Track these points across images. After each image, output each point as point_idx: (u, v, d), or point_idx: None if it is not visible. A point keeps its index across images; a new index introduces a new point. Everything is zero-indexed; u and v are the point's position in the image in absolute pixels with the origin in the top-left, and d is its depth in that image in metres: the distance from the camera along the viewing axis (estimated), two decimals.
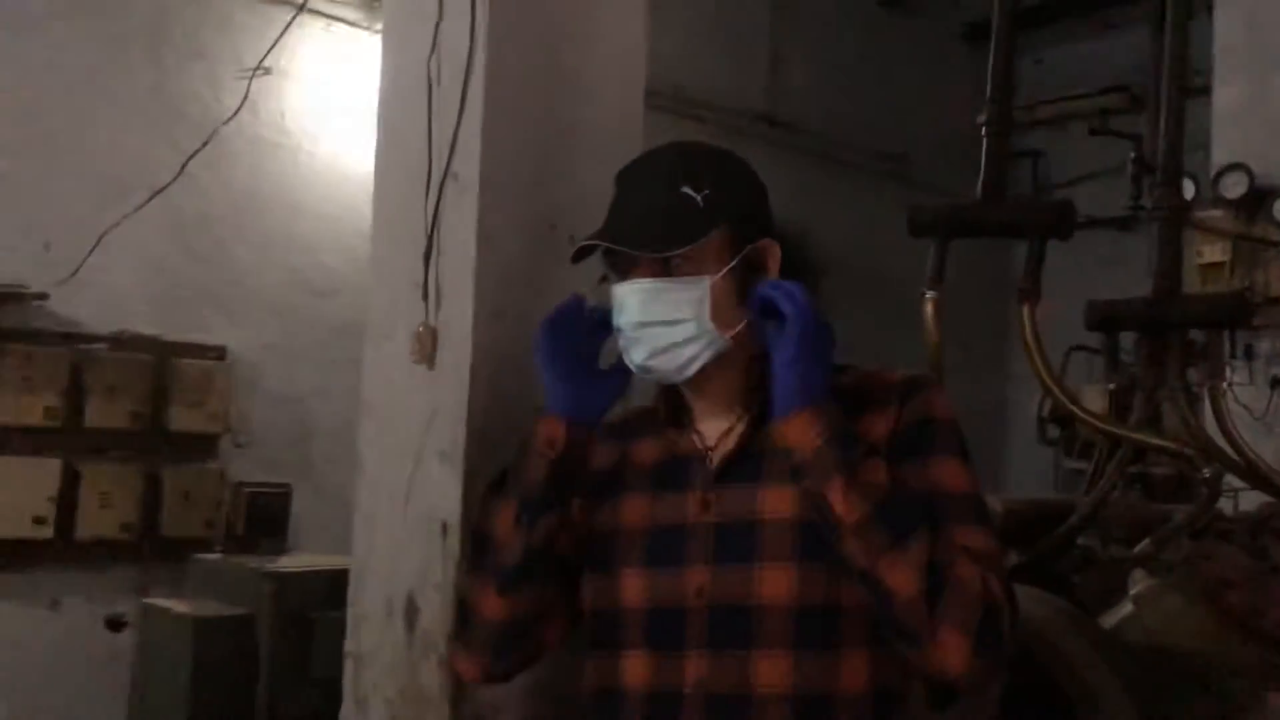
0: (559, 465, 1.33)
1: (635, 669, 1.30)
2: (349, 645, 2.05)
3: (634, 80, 2.12)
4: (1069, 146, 6.88)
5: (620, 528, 1.36)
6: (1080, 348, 4.82)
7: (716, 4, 6.20)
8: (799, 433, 1.21)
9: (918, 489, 1.24)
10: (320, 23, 4.73)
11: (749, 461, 1.32)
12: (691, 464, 1.35)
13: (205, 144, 2.76)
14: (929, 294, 2.51)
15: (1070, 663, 2.00)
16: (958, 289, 2.63)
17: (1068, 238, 2.42)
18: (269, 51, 3.09)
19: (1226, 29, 4.55)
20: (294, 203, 4.72)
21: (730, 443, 1.34)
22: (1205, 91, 4.48)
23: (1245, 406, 4.07)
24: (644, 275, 1.31)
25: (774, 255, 1.34)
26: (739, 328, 1.31)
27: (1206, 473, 2.27)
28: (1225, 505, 2.52)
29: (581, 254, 1.36)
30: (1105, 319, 2.63)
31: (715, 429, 1.36)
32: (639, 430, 1.44)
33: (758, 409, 1.33)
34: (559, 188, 1.98)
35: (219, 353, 4.48)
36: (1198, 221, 4.26)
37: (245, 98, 2.96)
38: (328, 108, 4.77)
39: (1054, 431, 5.08)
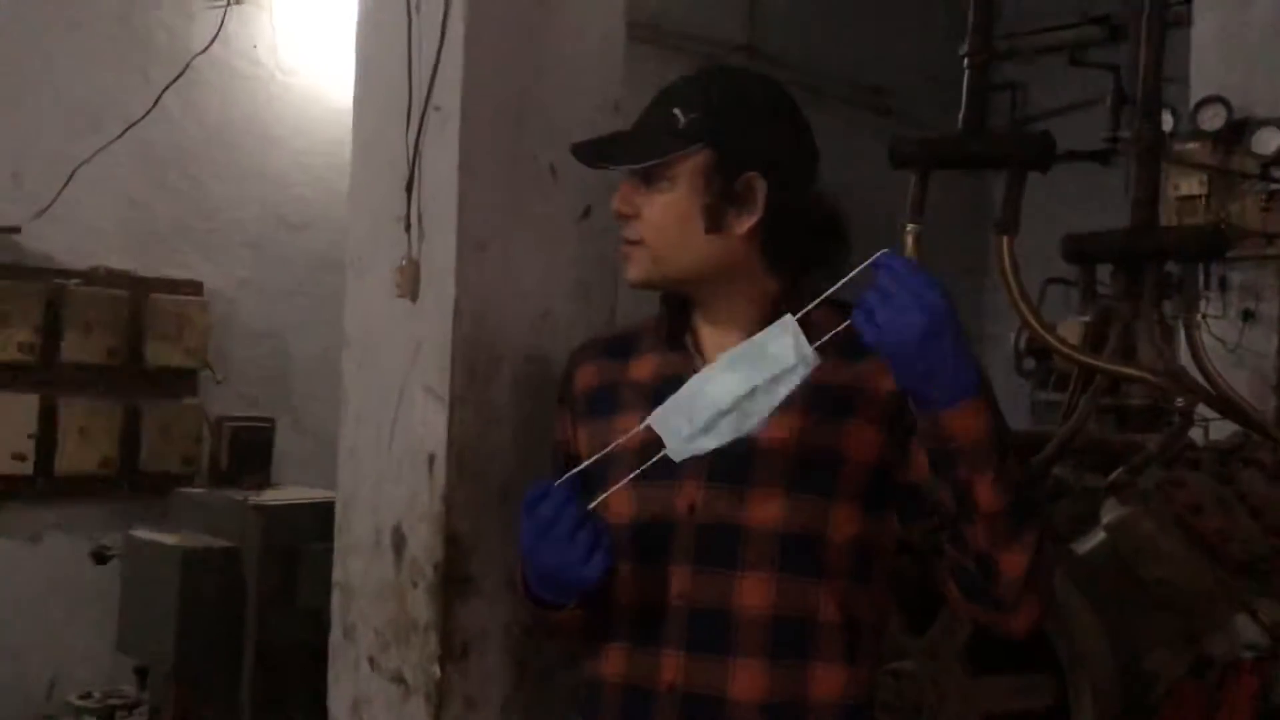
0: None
1: (623, 581, 1.32)
2: (337, 575, 2.08)
3: (614, 9, 2.10)
4: (1047, 79, 6.85)
5: (602, 444, 1.35)
6: (1057, 280, 4.85)
7: None
8: (965, 424, 1.15)
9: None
10: None
11: None
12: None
13: (180, 76, 2.72)
14: (910, 227, 2.52)
15: None
16: (934, 221, 2.64)
17: (1048, 170, 2.43)
18: None
19: None
20: (267, 135, 4.65)
21: None
22: (1185, 23, 4.47)
23: (1218, 338, 4.13)
24: (625, 192, 1.31)
25: (758, 188, 1.29)
26: (709, 251, 1.30)
27: (1180, 403, 2.31)
28: (1196, 435, 2.57)
29: (585, 159, 1.37)
30: (1082, 251, 2.66)
31: (719, 350, 1.31)
32: (637, 347, 1.42)
33: None
34: (541, 118, 1.97)
35: (195, 288, 4.44)
36: (1175, 154, 4.27)
37: (220, 28, 2.91)
38: (300, 38, 4.68)
39: (1030, 363, 5.12)
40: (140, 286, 4.28)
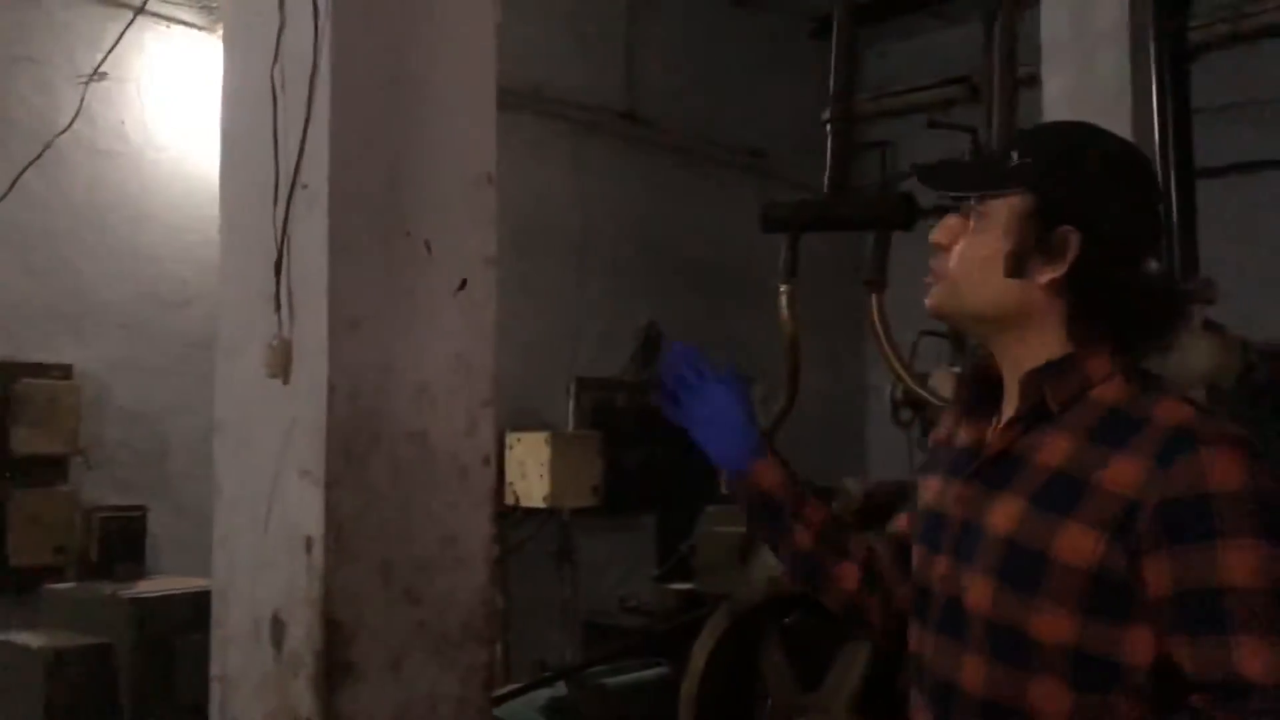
0: (749, 511, 1.53)
1: (909, 634, 1.40)
2: (215, 669, 2.01)
3: (485, 80, 2.12)
4: (915, 137, 7.10)
5: (919, 507, 1.44)
6: (930, 333, 4.98)
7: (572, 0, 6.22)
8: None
9: (1199, 585, 1.14)
10: (158, 25, 4.56)
11: (1004, 466, 1.30)
12: (971, 452, 1.37)
13: (40, 155, 2.64)
14: (783, 287, 2.58)
15: None
16: (814, 277, 2.71)
17: (911, 228, 2.52)
18: (107, 55, 2.97)
19: (1052, 19, 4.76)
20: (138, 212, 4.55)
21: (996, 442, 1.32)
22: (1036, 83, 4.69)
23: None
24: (948, 223, 1.35)
25: (1071, 243, 1.26)
26: (1005, 294, 1.30)
27: None
28: None
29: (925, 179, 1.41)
30: None
31: (1010, 408, 1.34)
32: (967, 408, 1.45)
33: (1029, 411, 1.29)
34: (412, 193, 1.97)
35: (64, 371, 4.29)
36: None
37: (81, 105, 2.84)
38: (168, 113, 4.60)
39: (907, 414, 5.24)
40: (5, 372, 4.12)
